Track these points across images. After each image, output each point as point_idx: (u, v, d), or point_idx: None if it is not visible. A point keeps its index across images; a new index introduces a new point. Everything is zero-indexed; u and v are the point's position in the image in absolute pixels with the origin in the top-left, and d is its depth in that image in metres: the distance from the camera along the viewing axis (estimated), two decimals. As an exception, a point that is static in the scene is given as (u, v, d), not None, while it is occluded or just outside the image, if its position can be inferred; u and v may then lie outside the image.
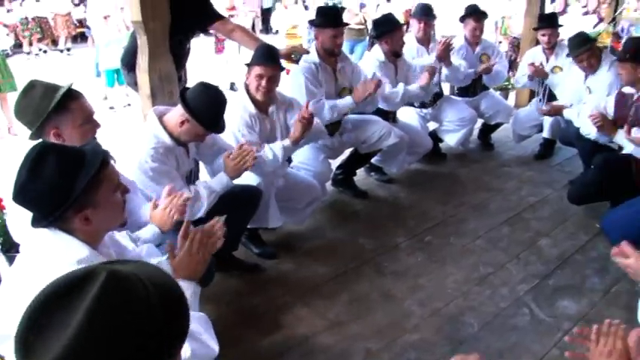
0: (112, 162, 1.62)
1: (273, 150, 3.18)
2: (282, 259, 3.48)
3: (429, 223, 3.96)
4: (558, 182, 4.69)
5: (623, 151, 3.73)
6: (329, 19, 3.87)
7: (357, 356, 2.65)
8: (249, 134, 3.14)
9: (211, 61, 9.09)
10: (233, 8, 9.39)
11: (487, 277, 3.30)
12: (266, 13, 16.08)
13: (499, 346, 2.70)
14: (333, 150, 4.14)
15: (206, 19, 3.68)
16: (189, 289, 1.72)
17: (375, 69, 4.22)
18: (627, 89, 3.79)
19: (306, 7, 12.33)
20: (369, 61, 4.39)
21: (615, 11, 8.03)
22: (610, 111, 3.82)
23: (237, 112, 3.19)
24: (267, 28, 15.64)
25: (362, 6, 9.42)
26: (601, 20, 9.29)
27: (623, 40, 5.95)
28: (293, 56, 3.76)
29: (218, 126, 2.75)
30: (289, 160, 3.86)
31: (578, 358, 1.72)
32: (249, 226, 3.33)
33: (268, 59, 3.20)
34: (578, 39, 4.40)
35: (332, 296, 3.09)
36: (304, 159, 3.91)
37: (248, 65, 3.27)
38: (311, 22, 3.99)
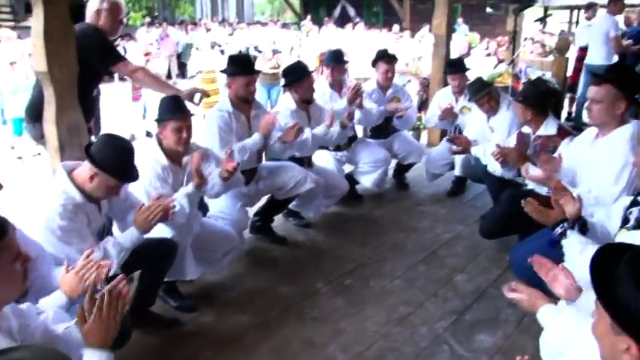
0: (10, 230, 1.54)
1: (178, 201, 2.99)
2: (202, 310, 3.39)
3: (348, 266, 3.98)
4: (470, 218, 4.86)
5: (528, 187, 3.93)
6: (241, 67, 3.90)
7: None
8: (161, 187, 3.06)
9: (128, 110, 8.92)
10: (149, 54, 9.37)
11: (407, 317, 3.35)
12: (181, 57, 16.07)
13: (421, 385, 2.74)
14: (249, 197, 4.13)
15: (109, 60, 3.63)
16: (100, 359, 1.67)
17: (287, 118, 4.26)
18: (525, 129, 4.02)
19: (222, 52, 12.40)
20: (280, 110, 4.41)
21: (513, 54, 8.58)
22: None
23: (149, 165, 3.10)
24: (183, 73, 15.58)
25: (275, 51, 9.61)
26: (500, 61, 9.92)
27: (522, 81, 6.36)
28: (194, 100, 3.74)
29: (131, 175, 2.68)
30: (205, 210, 3.82)
31: None
32: (166, 279, 3.23)
33: (179, 111, 3.16)
34: (477, 85, 4.66)
35: (253, 347, 3.04)
36: (221, 208, 3.87)
37: (158, 121, 3.20)
38: (223, 72, 4.00)
